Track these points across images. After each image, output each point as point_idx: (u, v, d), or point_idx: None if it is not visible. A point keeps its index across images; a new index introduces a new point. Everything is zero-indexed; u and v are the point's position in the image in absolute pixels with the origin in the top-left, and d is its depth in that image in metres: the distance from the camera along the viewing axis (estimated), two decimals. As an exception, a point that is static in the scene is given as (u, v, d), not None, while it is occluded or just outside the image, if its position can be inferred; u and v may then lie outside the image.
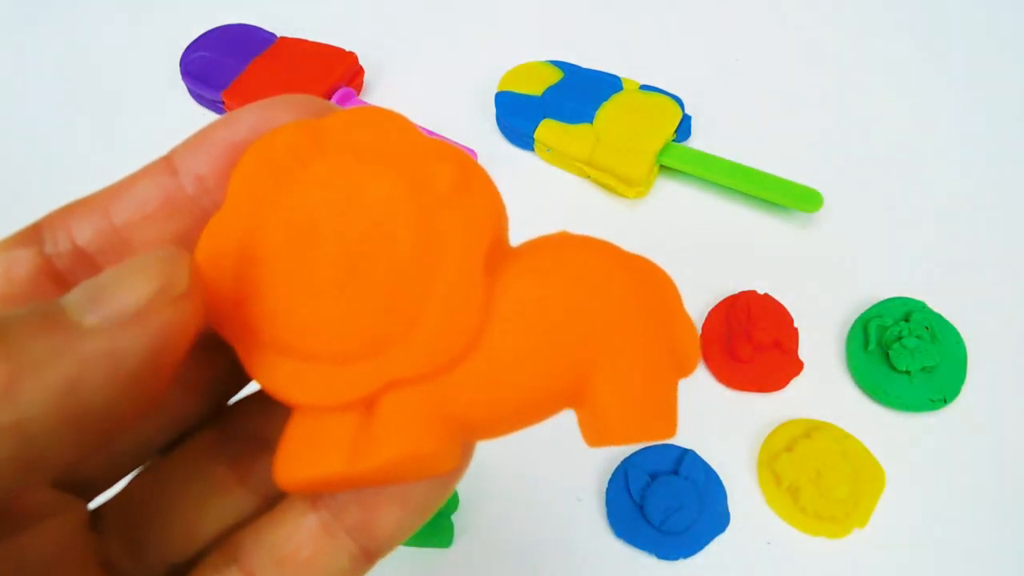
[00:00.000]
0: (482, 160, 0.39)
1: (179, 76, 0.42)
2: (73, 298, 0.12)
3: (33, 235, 0.14)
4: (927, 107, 0.42)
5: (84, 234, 0.14)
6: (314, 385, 0.13)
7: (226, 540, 0.15)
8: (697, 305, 0.35)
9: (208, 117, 0.43)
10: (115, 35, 0.47)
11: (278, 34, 0.43)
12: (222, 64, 0.41)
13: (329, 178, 0.13)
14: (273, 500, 0.16)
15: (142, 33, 0.47)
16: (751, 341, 0.33)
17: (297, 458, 0.13)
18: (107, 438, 0.12)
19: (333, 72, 0.41)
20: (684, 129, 0.40)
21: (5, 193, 0.40)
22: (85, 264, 0.14)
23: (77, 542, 0.14)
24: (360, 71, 0.42)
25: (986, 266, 0.37)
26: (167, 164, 0.15)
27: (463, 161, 0.13)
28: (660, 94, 0.40)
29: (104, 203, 0.15)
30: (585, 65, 0.42)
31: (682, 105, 0.39)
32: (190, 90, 0.43)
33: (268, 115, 0.15)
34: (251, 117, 0.15)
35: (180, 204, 0.15)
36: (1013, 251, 0.37)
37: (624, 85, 0.40)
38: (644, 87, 0.40)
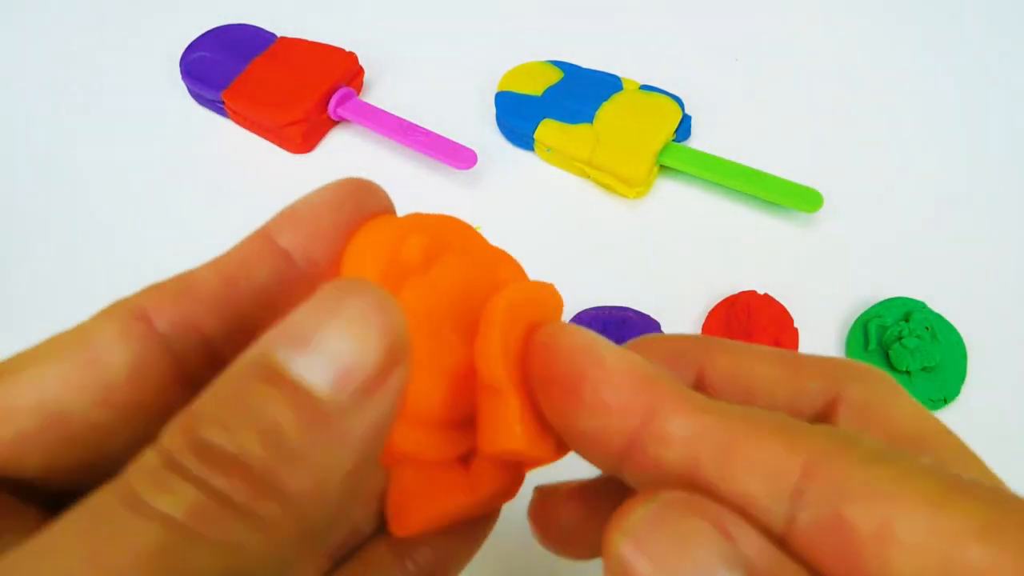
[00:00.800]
0: (482, 160, 0.39)
1: (179, 76, 0.42)
2: (318, 381, 0.11)
3: (145, 323, 0.14)
4: (927, 107, 0.42)
5: (207, 320, 0.14)
6: (433, 445, 0.15)
7: None
8: (697, 305, 0.35)
9: (208, 117, 0.43)
10: (115, 35, 0.47)
11: (278, 34, 0.43)
12: (222, 64, 0.41)
13: (448, 278, 0.16)
14: None
15: (142, 33, 0.47)
16: (751, 341, 0.33)
17: (419, 504, 0.16)
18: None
19: (333, 72, 0.41)
20: (684, 129, 0.40)
21: (5, 193, 0.40)
22: (212, 356, 0.14)
23: None
24: (360, 71, 0.42)
25: (986, 266, 0.37)
26: (268, 240, 0.15)
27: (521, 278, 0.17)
28: (660, 94, 0.40)
29: (213, 283, 0.14)
30: (585, 65, 0.42)
31: (682, 105, 0.39)
32: (190, 90, 0.43)
33: (360, 199, 0.15)
34: (349, 201, 0.15)
35: (290, 281, 0.15)
36: (1013, 251, 0.37)
37: (624, 85, 0.40)
38: (644, 87, 0.40)
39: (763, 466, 0.12)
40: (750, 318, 0.34)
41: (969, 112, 0.42)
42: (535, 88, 0.41)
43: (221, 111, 0.42)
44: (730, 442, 0.12)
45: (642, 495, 0.12)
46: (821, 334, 0.35)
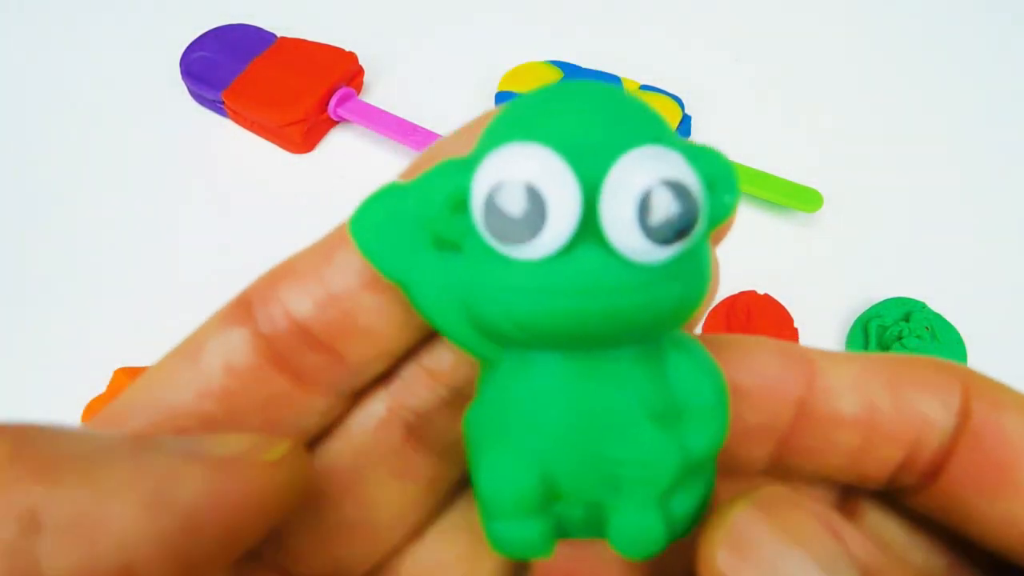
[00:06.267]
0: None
1: (179, 76, 0.42)
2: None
3: (243, 312, 0.13)
4: (927, 107, 0.42)
5: (301, 307, 0.12)
6: None
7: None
8: (697, 305, 0.35)
9: (208, 117, 0.43)
10: (115, 35, 0.47)
11: (278, 34, 0.43)
12: (222, 64, 0.41)
13: None
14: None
15: (142, 33, 0.47)
16: (751, 341, 0.33)
17: None
18: None
19: (333, 72, 0.41)
20: (684, 129, 0.40)
21: (3, 193, 0.40)
22: (306, 341, 0.13)
23: None
24: (360, 71, 0.42)
25: (986, 266, 0.37)
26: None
27: None
28: (660, 94, 0.40)
29: (315, 268, 0.13)
30: (585, 65, 0.42)
31: (682, 105, 0.39)
32: (190, 90, 0.43)
33: None
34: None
35: None
36: (1013, 251, 0.37)
37: (624, 85, 0.40)
38: (644, 87, 0.40)
39: (934, 387, 0.12)
40: (750, 318, 0.34)
41: (969, 112, 0.42)
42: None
43: (221, 111, 0.42)
44: (894, 375, 0.13)
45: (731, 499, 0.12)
46: (821, 334, 0.35)
